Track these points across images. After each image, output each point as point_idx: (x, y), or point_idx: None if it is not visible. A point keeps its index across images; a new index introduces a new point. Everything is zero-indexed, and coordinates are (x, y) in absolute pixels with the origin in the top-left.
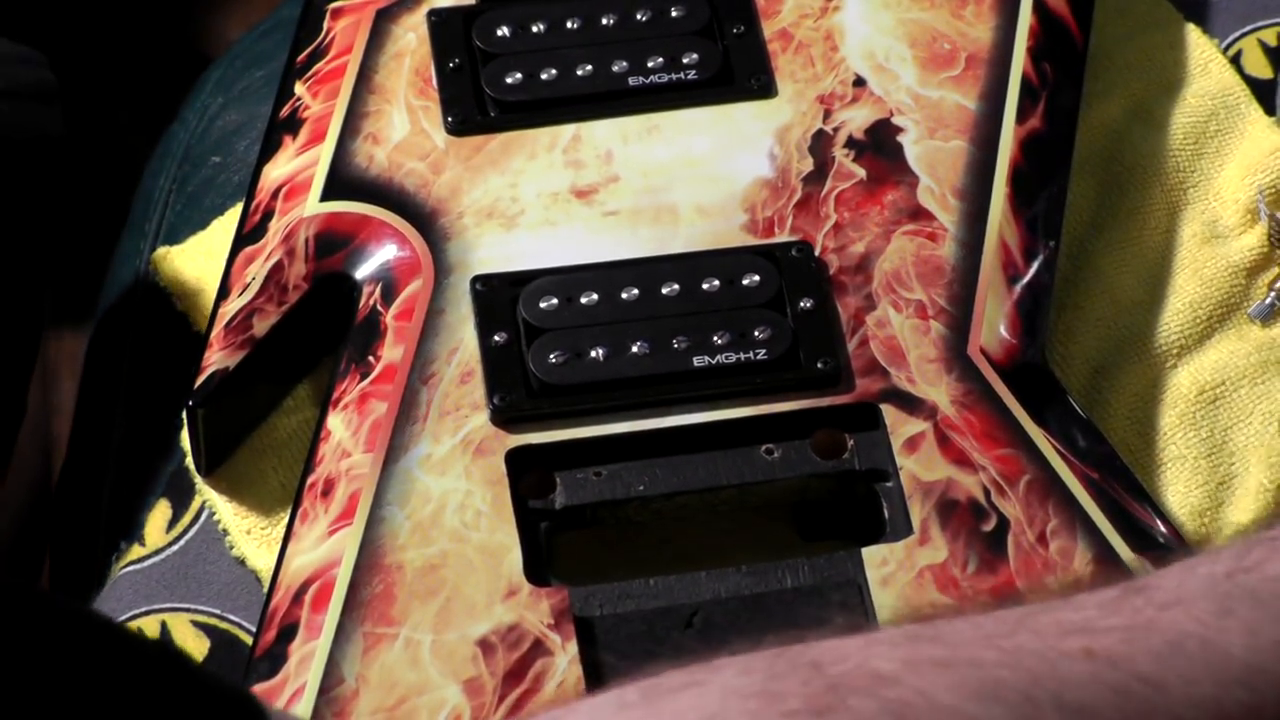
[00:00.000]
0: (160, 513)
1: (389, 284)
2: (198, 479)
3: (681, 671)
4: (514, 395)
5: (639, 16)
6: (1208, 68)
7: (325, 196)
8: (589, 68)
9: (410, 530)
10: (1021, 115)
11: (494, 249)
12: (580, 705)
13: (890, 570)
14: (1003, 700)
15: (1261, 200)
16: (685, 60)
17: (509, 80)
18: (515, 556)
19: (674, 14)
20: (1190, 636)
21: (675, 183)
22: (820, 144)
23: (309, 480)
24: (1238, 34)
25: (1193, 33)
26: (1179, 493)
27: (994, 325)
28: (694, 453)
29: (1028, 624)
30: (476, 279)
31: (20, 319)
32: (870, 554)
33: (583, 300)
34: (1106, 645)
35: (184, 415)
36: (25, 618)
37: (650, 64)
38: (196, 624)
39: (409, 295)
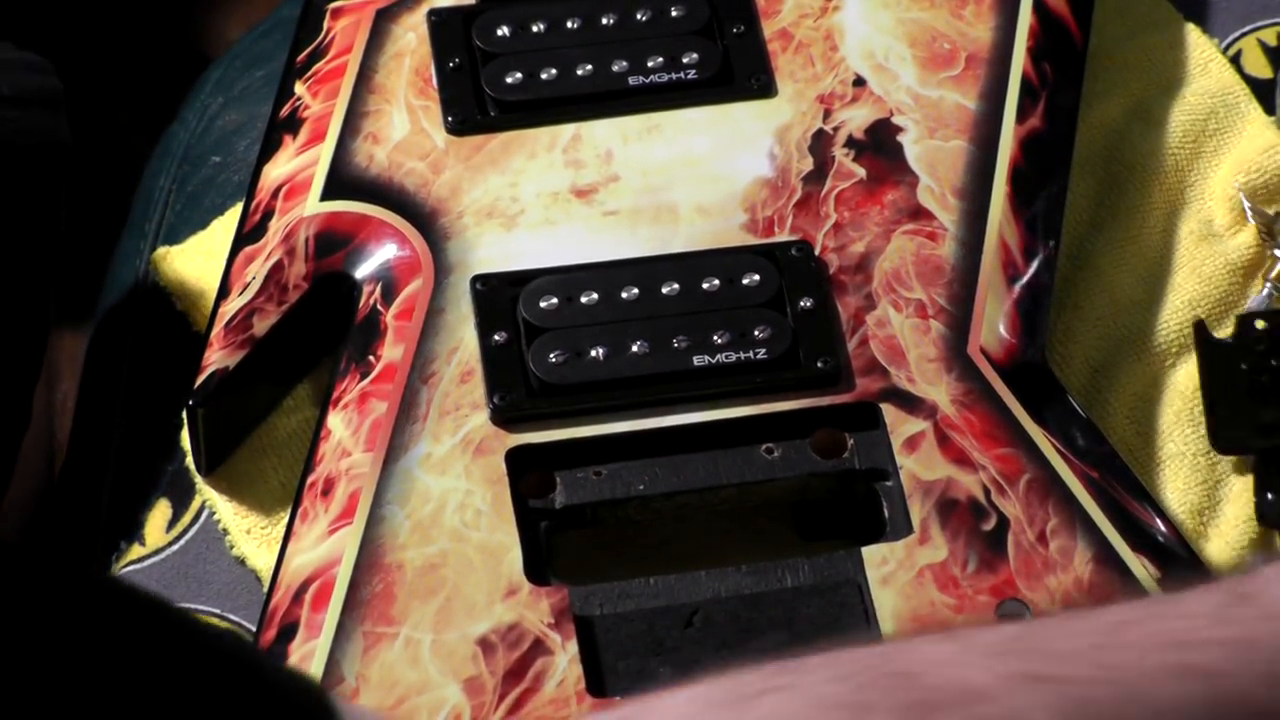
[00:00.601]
0: (160, 513)
1: (389, 283)
2: (198, 479)
3: (770, 672)
4: (514, 395)
5: (639, 16)
6: (1207, 67)
7: (325, 196)
8: (589, 67)
9: (410, 529)
10: (1021, 115)
11: (494, 248)
12: (662, 702)
13: (890, 569)
14: None
15: (1244, 198)
16: (685, 60)
17: (509, 80)
18: (515, 556)
19: (674, 14)
20: None
21: (675, 182)
22: (820, 143)
23: (309, 480)
24: (1238, 34)
25: (1193, 33)
26: (1178, 490)
27: (994, 325)
28: (694, 452)
29: (1128, 634)
30: (476, 278)
31: (25, 327)
32: (870, 553)
33: (583, 300)
34: (1205, 660)
35: (184, 415)
36: (103, 609)
37: (650, 64)
38: None
39: (409, 295)
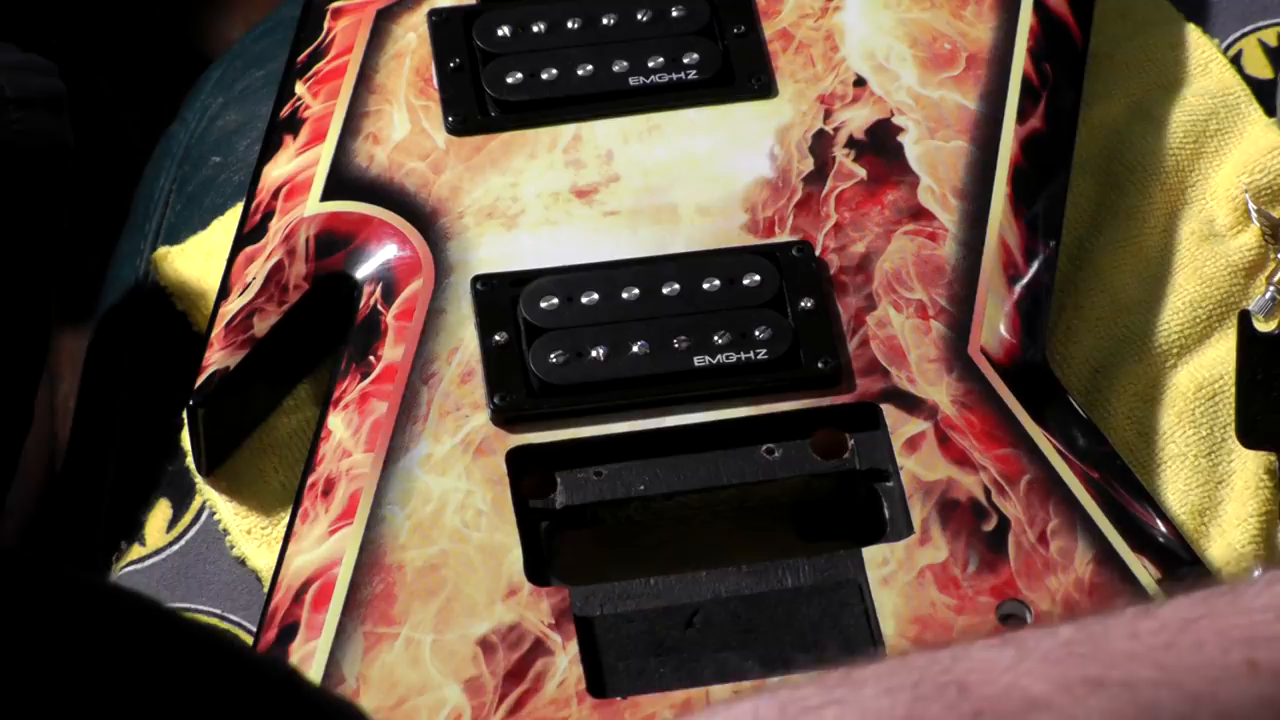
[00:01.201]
0: (160, 513)
1: (389, 284)
2: (198, 479)
3: (821, 685)
4: (514, 395)
5: (639, 16)
6: (1208, 67)
7: (326, 196)
8: (589, 67)
9: (411, 530)
10: (1022, 115)
11: (494, 249)
12: (715, 717)
13: (891, 570)
14: None
15: (1249, 199)
16: (686, 60)
17: (509, 80)
18: (516, 556)
19: (674, 14)
20: None
21: (676, 182)
22: (821, 144)
23: (309, 480)
24: (1238, 34)
25: (1193, 33)
26: (1179, 491)
27: (994, 325)
28: (694, 452)
29: (1189, 632)
30: (477, 279)
31: (28, 329)
32: (870, 554)
33: (583, 300)
34: (1273, 658)
35: (184, 415)
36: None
37: (651, 64)
38: None
39: (409, 295)
